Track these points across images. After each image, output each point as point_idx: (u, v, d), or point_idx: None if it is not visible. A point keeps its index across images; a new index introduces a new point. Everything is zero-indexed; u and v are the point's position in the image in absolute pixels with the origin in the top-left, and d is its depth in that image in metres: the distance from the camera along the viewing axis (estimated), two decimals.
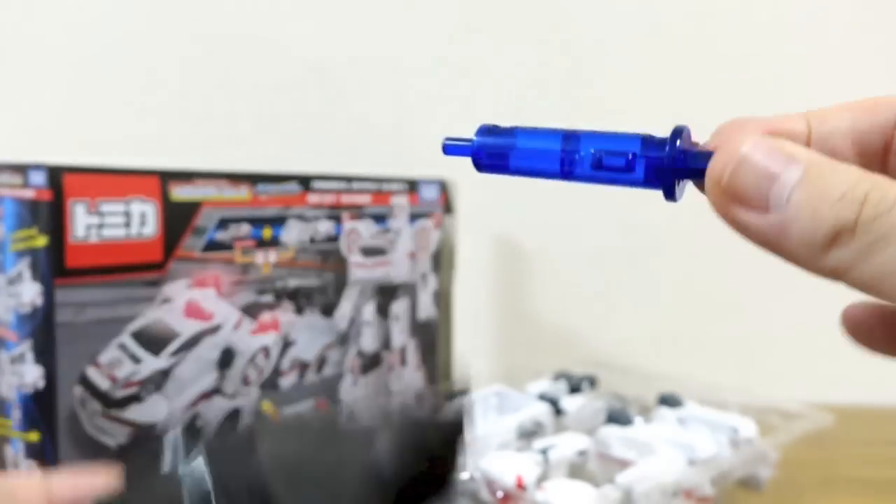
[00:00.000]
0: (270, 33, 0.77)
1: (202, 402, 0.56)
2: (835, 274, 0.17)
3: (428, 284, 0.76)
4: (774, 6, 0.69)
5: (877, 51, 0.65)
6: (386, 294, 0.71)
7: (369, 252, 0.69)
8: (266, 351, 0.61)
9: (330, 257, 0.65)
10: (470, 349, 0.85)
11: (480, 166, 0.23)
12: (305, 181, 0.62)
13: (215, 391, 0.57)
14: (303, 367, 0.64)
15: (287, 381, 0.63)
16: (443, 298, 0.79)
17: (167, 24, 0.70)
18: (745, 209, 0.17)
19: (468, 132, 0.75)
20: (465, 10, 0.85)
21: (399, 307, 0.73)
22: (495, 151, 0.23)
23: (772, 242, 0.17)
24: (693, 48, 0.74)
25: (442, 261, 0.79)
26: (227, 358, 0.58)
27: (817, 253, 0.17)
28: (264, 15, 0.77)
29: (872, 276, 0.16)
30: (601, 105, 0.80)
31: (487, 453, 0.54)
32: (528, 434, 0.58)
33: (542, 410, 0.61)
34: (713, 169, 0.18)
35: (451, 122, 0.86)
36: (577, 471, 0.54)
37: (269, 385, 0.61)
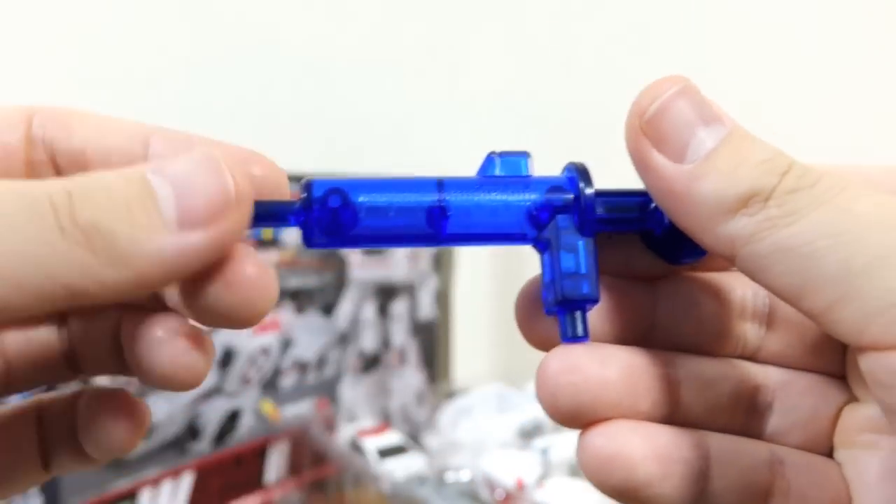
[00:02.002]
0: (270, 33, 0.77)
1: (202, 401, 0.56)
2: (730, 244, 0.15)
3: (428, 284, 0.76)
4: (775, 7, 0.69)
5: (878, 51, 0.65)
6: (386, 294, 0.71)
7: (369, 252, 0.69)
8: (266, 351, 0.61)
9: (330, 257, 0.65)
10: (470, 349, 0.85)
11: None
12: None
13: (215, 391, 0.57)
14: (303, 367, 0.64)
15: (287, 381, 0.63)
16: (443, 298, 0.79)
17: (167, 24, 0.70)
18: (659, 151, 0.16)
19: (468, 132, 0.75)
20: (465, 11, 0.85)
21: (399, 307, 0.73)
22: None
23: (676, 193, 0.16)
24: (694, 48, 0.74)
25: (442, 261, 0.79)
26: (227, 358, 0.58)
27: (721, 214, 0.15)
28: (264, 15, 0.77)
29: (770, 252, 0.15)
30: (601, 105, 0.80)
31: (487, 453, 0.55)
32: (528, 434, 0.58)
33: (542, 410, 0.61)
34: (639, 101, 0.17)
35: (451, 122, 0.86)
36: (577, 471, 0.54)
37: (269, 385, 0.61)
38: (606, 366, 0.17)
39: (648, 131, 0.16)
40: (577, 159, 0.19)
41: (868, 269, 0.14)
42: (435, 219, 0.18)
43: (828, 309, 0.14)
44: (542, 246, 0.18)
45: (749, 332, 0.19)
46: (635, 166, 0.17)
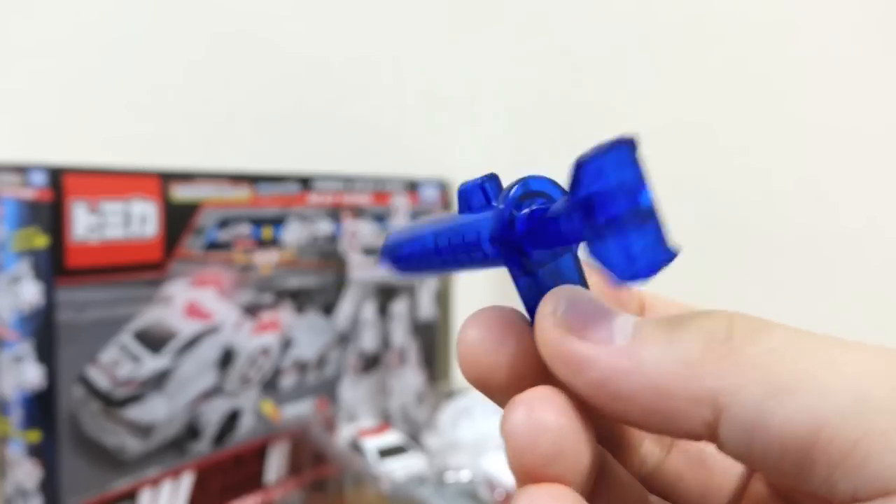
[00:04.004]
0: (271, 33, 0.77)
1: (202, 401, 0.56)
2: (713, 405, 0.13)
3: (428, 284, 0.76)
4: (776, 8, 0.69)
5: (878, 52, 0.65)
6: (386, 294, 0.71)
7: (369, 252, 0.69)
8: (266, 351, 0.61)
9: (330, 257, 0.65)
10: None
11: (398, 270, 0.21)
12: (305, 181, 0.62)
13: (215, 391, 0.57)
14: (303, 367, 0.64)
15: (287, 381, 0.63)
16: (443, 298, 0.79)
17: (167, 23, 0.70)
18: (585, 340, 0.14)
19: (468, 132, 0.75)
20: (465, 11, 0.85)
21: (399, 307, 0.73)
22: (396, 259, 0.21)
23: (625, 374, 0.14)
24: (694, 49, 0.74)
25: None
26: (227, 358, 0.58)
27: (689, 368, 0.13)
28: (264, 15, 0.77)
29: (762, 400, 0.12)
30: (602, 105, 0.80)
31: (487, 453, 0.55)
32: None
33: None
34: (542, 307, 0.15)
35: (451, 122, 0.86)
36: None
37: (269, 385, 0.61)
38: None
39: (566, 323, 0.15)
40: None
41: (886, 399, 0.12)
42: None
43: (846, 455, 0.12)
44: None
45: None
46: (561, 372, 0.15)
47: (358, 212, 0.67)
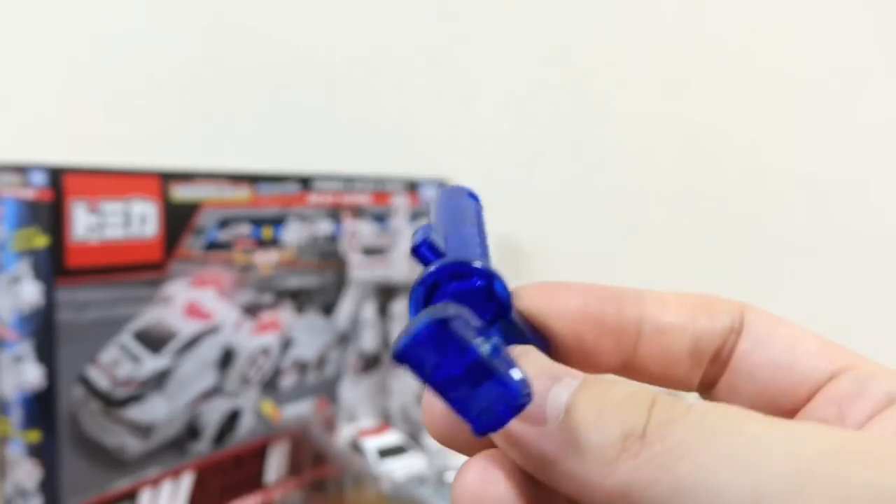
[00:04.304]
0: (271, 33, 0.77)
1: (202, 401, 0.56)
2: (626, 497, 0.14)
3: None
4: (777, 8, 0.69)
5: (878, 52, 0.65)
6: (386, 294, 0.71)
7: (369, 252, 0.69)
8: (266, 351, 0.61)
9: (330, 257, 0.65)
10: None
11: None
12: (305, 181, 0.62)
13: (215, 391, 0.57)
14: (303, 367, 0.64)
15: (287, 381, 0.63)
16: None
17: (168, 23, 0.70)
18: (519, 420, 0.15)
19: (468, 132, 0.75)
20: (465, 11, 0.85)
21: (399, 307, 0.73)
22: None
23: (550, 460, 0.14)
24: (695, 49, 0.74)
25: None
26: (227, 358, 0.58)
27: (604, 466, 0.14)
28: (265, 14, 0.77)
29: (672, 494, 0.13)
30: (602, 105, 0.80)
31: None
32: None
33: None
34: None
35: (452, 122, 0.86)
36: None
37: (269, 385, 0.61)
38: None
39: None
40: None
41: (782, 498, 0.12)
42: None
43: None
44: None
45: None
46: (498, 443, 0.15)
47: (358, 212, 0.67)
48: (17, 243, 0.47)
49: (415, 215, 0.73)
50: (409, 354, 0.14)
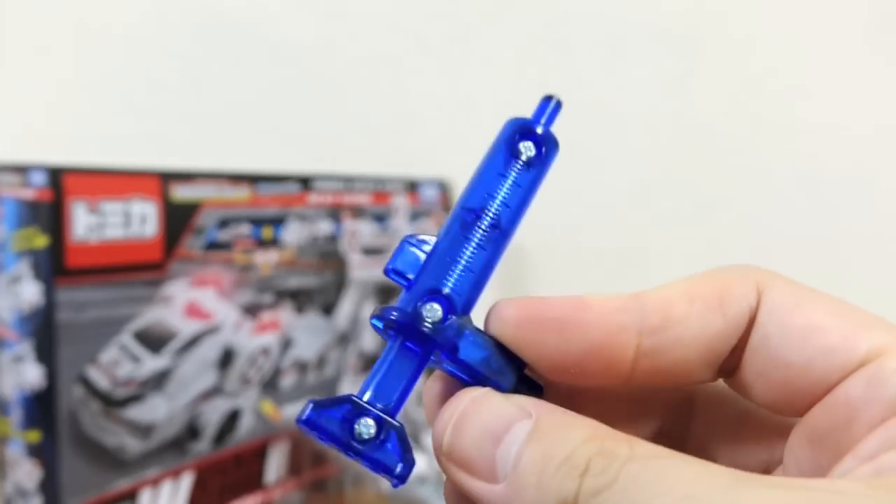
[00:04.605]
0: (271, 33, 0.77)
1: (202, 401, 0.56)
2: None
3: None
4: (778, 8, 0.69)
5: (879, 52, 0.65)
6: (386, 294, 0.71)
7: (369, 252, 0.69)
8: (266, 351, 0.61)
9: (330, 257, 0.65)
10: None
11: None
12: (305, 181, 0.62)
13: (215, 391, 0.57)
14: (303, 367, 0.64)
15: (287, 381, 0.63)
16: None
17: (167, 23, 0.70)
18: (472, 476, 0.15)
19: (468, 132, 0.74)
20: (465, 11, 0.85)
21: None
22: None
23: None
24: (694, 49, 0.74)
25: None
26: (227, 358, 0.58)
27: None
28: (265, 15, 0.77)
29: None
30: (602, 105, 0.80)
31: None
32: None
33: None
34: (435, 430, 0.16)
35: (452, 122, 0.86)
36: None
37: (269, 385, 0.61)
38: None
39: (454, 459, 0.15)
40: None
41: None
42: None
43: None
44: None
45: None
46: (463, 494, 0.16)
47: (358, 212, 0.67)
48: (17, 243, 0.47)
49: (415, 215, 0.73)
50: (308, 426, 0.16)
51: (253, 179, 0.58)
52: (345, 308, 0.67)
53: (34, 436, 0.48)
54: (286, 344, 0.62)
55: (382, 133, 0.83)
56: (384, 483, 0.54)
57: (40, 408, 0.47)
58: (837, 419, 0.15)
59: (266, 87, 0.77)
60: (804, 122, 0.65)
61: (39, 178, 0.46)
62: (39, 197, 0.46)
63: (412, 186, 0.73)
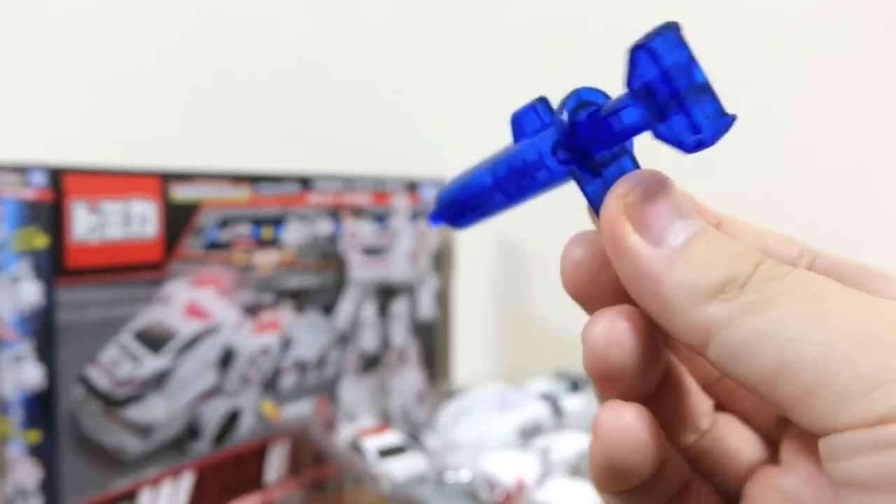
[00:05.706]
0: (271, 33, 0.77)
1: (202, 401, 0.56)
2: (704, 330, 0.15)
3: (428, 284, 0.76)
4: (778, 8, 0.69)
5: (879, 52, 0.65)
6: (386, 294, 0.71)
7: (369, 252, 0.69)
8: (266, 351, 0.61)
9: (330, 257, 0.65)
10: (470, 349, 0.85)
11: (456, 226, 0.24)
12: (305, 181, 0.62)
13: (215, 391, 0.57)
14: (303, 366, 0.64)
15: (287, 381, 0.63)
16: (443, 298, 0.79)
17: (167, 23, 0.70)
18: (639, 234, 0.16)
19: (467, 132, 0.74)
20: (464, 11, 0.85)
21: (399, 307, 0.73)
22: (450, 212, 0.23)
23: (652, 276, 0.16)
24: (695, 48, 0.74)
25: (442, 261, 0.79)
26: (227, 358, 0.58)
27: (697, 300, 0.15)
28: (264, 15, 0.77)
29: (746, 338, 0.15)
30: None
31: (487, 453, 0.55)
32: (528, 434, 0.58)
33: (542, 410, 0.61)
34: (621, 185, 0.17)
35: (451, 122, 0.86)
36: (577, 471, 0.54)
37: (269, 385, 0.61)
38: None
39: (630, 213, 0.17)
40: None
41: (848, 352, 0.14)
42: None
43: (804, 395, 0.14)
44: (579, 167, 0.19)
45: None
46: (609, 246, 0.17)
47: (358, 212, 0.67)
48: (17, 243, 0.47)
49: (415, 215, 0.73)
50: (641, 59, 0.16)
51: (253, 179, 0.58)
52: (345, 308, 0.67)
53: (34, 436, 0.48)
54: (286, 344, 0.62)
55: (382, 133, 0.83)
56: (384, 483, 0.54)
57: (40, 408, 0.47)
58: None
59: (266, 88, 0.77)
60: (804, 122, 0.65)
61: (39, 178, 0.46)
62: (39, 197, 0.46)
63: (412, 186, 0.73)
